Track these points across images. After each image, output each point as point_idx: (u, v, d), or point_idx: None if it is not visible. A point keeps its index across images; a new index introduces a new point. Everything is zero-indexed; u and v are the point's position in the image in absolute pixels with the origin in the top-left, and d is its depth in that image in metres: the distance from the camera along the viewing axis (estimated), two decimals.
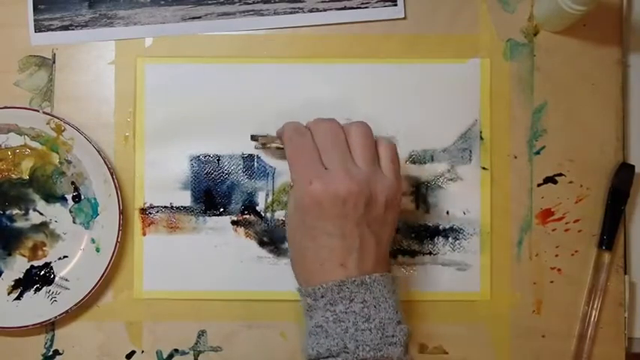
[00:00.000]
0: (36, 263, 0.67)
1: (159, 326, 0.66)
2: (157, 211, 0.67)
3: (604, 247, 0.66)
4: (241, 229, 0.67)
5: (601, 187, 0.67)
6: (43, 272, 0.66)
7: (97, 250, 0.66)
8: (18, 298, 0.66)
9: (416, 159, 0.67)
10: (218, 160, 0.67)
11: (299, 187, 0.55)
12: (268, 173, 0.67)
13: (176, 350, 0.66)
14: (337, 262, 0.54)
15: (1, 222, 0.66)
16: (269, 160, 0.67)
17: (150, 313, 0.66)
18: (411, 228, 0.67)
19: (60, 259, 0.67)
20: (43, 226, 0.67)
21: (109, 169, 0.64)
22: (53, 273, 0.66)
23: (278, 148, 0.63)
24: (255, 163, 0.67)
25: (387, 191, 0.56)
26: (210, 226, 0.67)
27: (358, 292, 0.53)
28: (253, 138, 0.65)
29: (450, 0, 0.68)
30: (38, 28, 0.67)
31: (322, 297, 0.54)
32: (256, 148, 0.66)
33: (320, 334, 0.53)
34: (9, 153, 0.66)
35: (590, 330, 0.66)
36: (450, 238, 0.67)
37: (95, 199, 0.66)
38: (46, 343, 0.66)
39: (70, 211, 0.67)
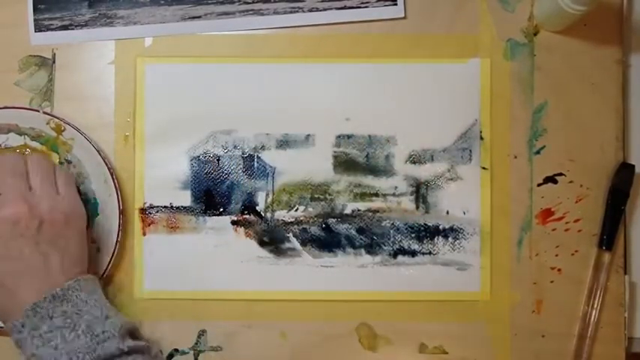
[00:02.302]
0: None
1: (159, 326, 0.66)
2: (157, 211, 0.67)
3: (604, 247, 0.66)
4: (241, 229, 0.67)
5: (601, 187, 0.67)
6: None
7: (97, 249, 0.66)
8: None
9: (416, 159, 0.67)
10: (218, 160, 0.67)
11: None
12: (268, 173, 0.67)
13: (176, 350, 0.66)
14: (24, 285, 0.54)
15: None
16: (269, 160, 0.67)
17: (150, 313, 0.66)
18: (411, 228, 0.67)
19: None
20: None
21: (109, 169, 0.64)
22: None
23: None
24: (255, 163, 0.67)
25: (63, 208, 0.57)
26: (210, 226, 0.67)
27: (54, 306, 0.53)
28: None
29: (450, 0, 0.68)
30: (38, 28, 0.67)
31: (23, 326, 0.53)
32: None
33: None
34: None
35: (590, 330, 0.66)
36: (449, 238, 0.67)
37: (95, 199, 0.66)
38: None
39: None
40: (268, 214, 0.67)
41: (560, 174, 0.68)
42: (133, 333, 0.56)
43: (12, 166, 0.58)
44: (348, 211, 0.67)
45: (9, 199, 0.55)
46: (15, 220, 0.54)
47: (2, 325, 0.57)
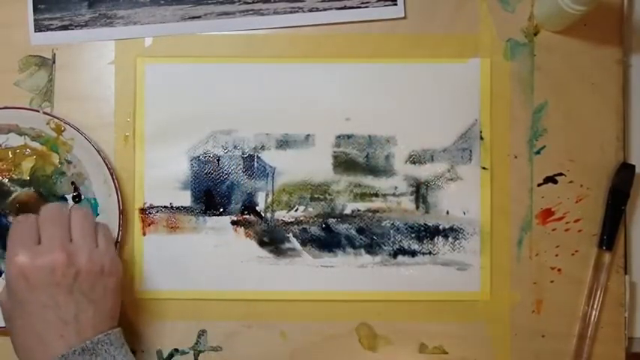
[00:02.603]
0: None
1: (159, 326, 0.66)
2: (157, 211, 0.67)
3: (604, 247, 0.66)
4: (241, 229, 0.67)
5: (601, 187, 0.67)
6: None
7: None
8: None
9: (416, 159, 0.67)
10: (218, 160, 0.67)
11: (7, 265, 0.55)
12: (268, 173, 0.67)
13: (176, 350, 0.66)
14: (55, 334, 0.54)
15: (1, 221, 0.66)
16: (269, 160, 0.67)
17: (150, 313, 0.66)
18: (411, 228, 0.67)
19: None
20: None
21: (108, 169, 0.64)
22: None
23: None
24: (255, 163, 0.67)
25: (100, 259, 0.57)
26: (210, 226, 0.67)
27: (83, 359, 0.53)
28: None
29: (450, 0, 0.68)
30: (38, 28, 0.67)
31: None
32: None
33: None
34: (9, 153, 0.66)
35: (590, 330, 0.66)
36: (449, 238, 0.67)
37: (95, 199, 0.66)
38: None
39: None
40: (268, 214, 0.67)
41: (560, 174, 0.68)
42: None
43: (55, 216, 0.58)
44: (348, 211, 0.67)
45: (48, 247, 0.55)
46: (52, 267, 0.54)
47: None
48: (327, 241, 0.67)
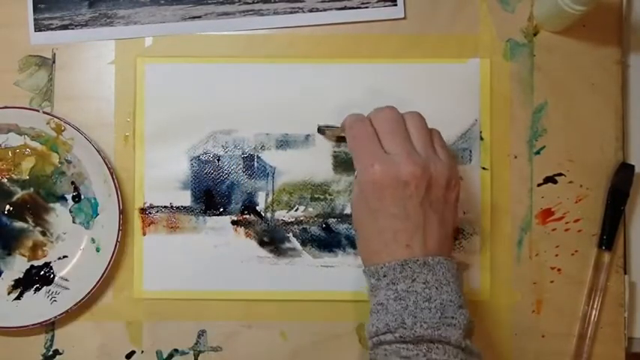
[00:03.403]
0: (36, 263, 0.67)
1: (159, 326, 0.66)
2: (157, 211, 0.67)
3: (604, 247, 0.66)
4: (241, 229, 0.67)
5: (601, 187, 0.67)
6: (42, 272, 0.66)
7: (97, 249, 0.66)
8: (18, 298, 0.66)
9: None
10: (218, 160, 0.67)
11: (362, 172, 0.57)
12: (268, 173, 0.67)
13: (176, 350, 0.66)
14: (401, 243, 0.55)
15: (1, 221, 0.66)
16: (269, 160, 0.67)
17: (150, 313, 0.66)
18: None
19: (60, 258, 0.67)
20: (43, 226, 0.67)
21: (108, 169, 0.64)
22: (53, 273, 0.66)
23: (342, 137, 0.64)
24: (255, 163, 0.67)
25: (446, 172, 0.57)
26: (210, 226, 0.67)
27: (421, 272, 0.54)
28: (320, 130, 0.66)
29: (450, 0, 0.68)
30: (38, 28, 0.67)
31: (385, 276, 0.55)
32: (325, 138, 0.67)
33: (381, 311, 0.54)
34: (9, 153, 0.66)
35: (590, 330, 0.66)
36: None
37: (95, 198, 0.66)
38: (46, 343, 0.66)
39: (70, 211, 0.67)
40: (268, 214, 0.67)
41: (560, 174, 0.68)
42: (470, 334, 0.55)
43: (394, 124, 0.58)
44: (348, 211, 0.67)
45: (400, 160, 0.56)
46: (406, 181, 0.55)
47: (363, 264, 0.59)
48: (327, 241, 0.67)
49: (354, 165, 0.58)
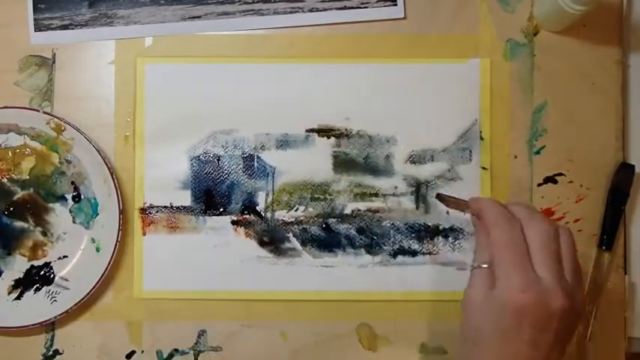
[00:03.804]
0: (36, 263, 0.67)
1: (159, 326, 0.66)
2: (157, 211, 0.67)
3: (604, 247, 0.66)
4: (241, 229, 0.67)
5: (601, 187, 0.67)
6: (43, 272, 0.66)
7: (97, 249, 0.66)
8: (18, 298, 0.66)
9: (416, 159, 0.67)
10: (218, 160, 0.67)
11: (507, 291, 0.51)
12: (268, 173, 0.67)
13: (176, 350, 0.66)
14: None
15: (1, 221, 0.66)
16: (269, 160, 0.67)
17: (150, 313, 0.66)
18: (411, 228, 0.67)
19: (60, 258, 0.67)
20: (43, 226, 0.67)
21: (108, 169, 0.64)
22: (53, 273, 0.66)
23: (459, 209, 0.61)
24: (255, 163, 0.67)
25: (581, 303, 0.52)
26: (210, 226, 0.67)
27: None
28: (440, 198, 0.63)
29: (450, 0, 0.68)
30: (38, 28, 0.67)
31: None
32: (444, 204, 0.64)
33: None
34: (9, 153, 0.66)
35: (590, 330, 0.66)
36: (450, 238, 0.67)
37: (95, 198, 0.66)
38: (46, 343, 0.66)
39: (70, 211, 0.67)
40: (268, 214, 0.67)
41: (560, 174, 0.68)
42: None
43: (549, 240, 0.52)
44: (348, 211, 0.67)
45: (551, 288, 0.50)
46: (552, 313, 0.50)
47: None
48: (327, 241, 0.67)
49: (493, 269, 0.52)
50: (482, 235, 0.54)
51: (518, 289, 0.50)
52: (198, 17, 0.67)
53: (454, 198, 0.61)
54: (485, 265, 0.53)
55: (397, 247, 0.67)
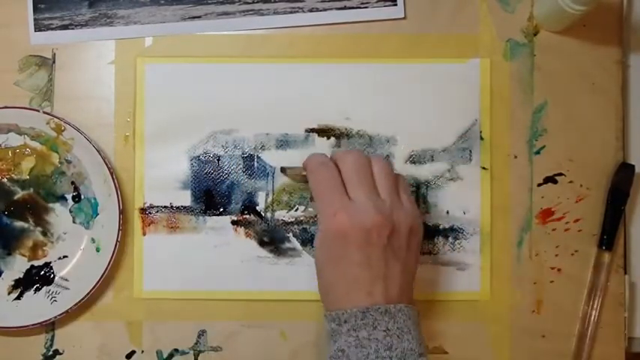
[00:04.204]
0: (36, 263, 0.67)
1: (159, 326, 0.66)
2: (157, 211, 0.67)
3: (604, 247, 0.66)
4: (241, 229, 0.67)
5: (601, 187, 0.67)
6: (43, 272, 0.66)
7: (97, 249, 0.66)
8: (18, 298, 0.66)
9: (416, 159, 0.67)
10: (218, 160, 0.67)
11: (324, 219, 0.57)
12: (268, 173, 0.67)
13: (176, 350, 0.66)
14: (364, 290, 0.55)
15: (1, 221, 0.66)
16: (269, 159, 0.67)
17: (150, 313, 0.66)
18: None
19: (60, 258, 0.67)
20: (43, 226, 0.67)
21: (108, 169, 0.64)
22: (53, 273, 0.66)
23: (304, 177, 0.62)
24: (255, 163, 0.67)
25: (408, 220, 0.57)
26: (210, 226, 0.67)
27: (382, 319, 0.54)
28: (282, 170, 0.66)
29: (450, 0, 0.68)
30: (38, 28, 0.67)
31: (346, 322, 0.54)
32: (288, 177, 0.66)
33: (341, 357, 0.54)
34: (9, 153, 0.66)
35: (590, 330, 0.66)
36: (450, 238, 0.67)
37: (95, 198, 0.66)
38: (46, 343, 0.66)
39: (70, 211, 0.67)
40: (268, 214, 0.67)
41: (560, 174, 0.68)
42: None
43: (360, 168, 0.58)
44: None
45: (364, 208, 0.56)
46: (369, 229, 0.55)
47: (325, 310, 0.57)
48: None
49: (316, 210, 0.58)
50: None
51: (332, 214, 0.56)
52: (198, 17, 0.67)
53: (294, 167, 0.64)
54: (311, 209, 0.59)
55: None
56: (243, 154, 0.67)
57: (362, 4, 0.67)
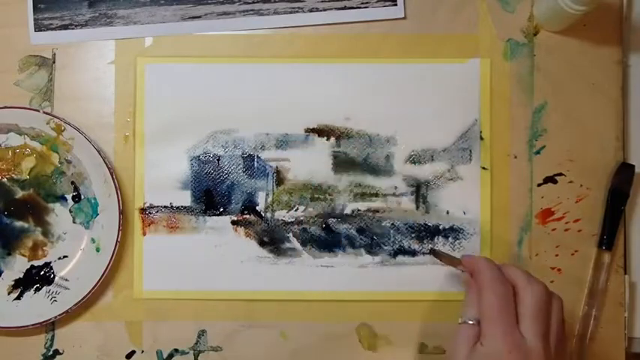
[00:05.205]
0: (36, 263, 0.67)
1: (159, 326, 0.66)
2: (157, 211, 0.67)
3: (604, 247, 0.66)
4: (241, 229, 0.67)
5: (601, 187, 0.67)
6: (43, 272, 0.66)
7: (97, 249, 0.66)
8: (18, 298, 0.66)
9: (416, 159, 0.67)
10: (218, 160, 0.67)
11: (493, 349, 0.54)
12: (268, 173, 0.67)
13: (176, 350, 0.66)
14: None
15: (1, 221, 0.66)
16: (269, 160, 0.67)
17: (150, 313, 0.66)
18: (411, 228, 0.67)
19: (60, 258, 0.67)
20: (43, 226, 0.67)
21: (109, 169, 0.64)
22: (53, 273, 0.66)
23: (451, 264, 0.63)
24: (255, 163, 0.67)
25: None
26: (210, 226, 0.67)
27: None
28: (433, 253, 0.66)
29: (450, 0, 0.68)
30: (38, 28, 0.67)
31: None
32: (436, 258, 0.66)
33: None
34: (9, 153, 0.66)
35: (590, 330, 0.66)
36: (450, 238, 0.67)
37: (95, 198, 0.66)
38: (46, 343, 0.66)
39: (70, 211, 0.67)
40: (268, 214, 0.67)
41: (560, 174, 0.68)
42: None
43: (543, 306, 0.55)
44: (348, 211, 0.67)
45: (535, 353, 0.53)
46: None
47: None
48: (327, 241, 0.67)
49: (481, 326, 0.55)
50: (473, 292, 0.57)
51: (506, 350, 0.53)
52: (198, 17, 0.67)
53: (448, 255, 0.64)
54: (472, 322, 0.56)
55: (397, 247, 0.67)
56: (243, 154, 0.67)
57: (362, 4, 0.67)
